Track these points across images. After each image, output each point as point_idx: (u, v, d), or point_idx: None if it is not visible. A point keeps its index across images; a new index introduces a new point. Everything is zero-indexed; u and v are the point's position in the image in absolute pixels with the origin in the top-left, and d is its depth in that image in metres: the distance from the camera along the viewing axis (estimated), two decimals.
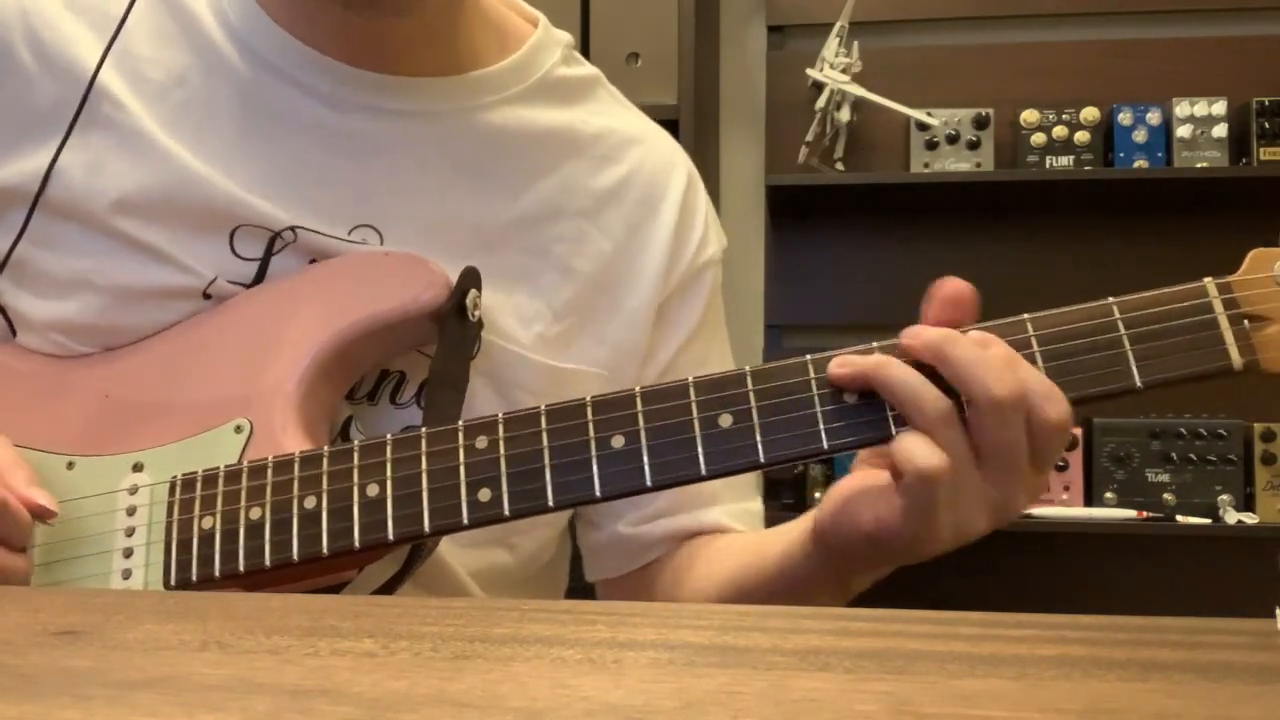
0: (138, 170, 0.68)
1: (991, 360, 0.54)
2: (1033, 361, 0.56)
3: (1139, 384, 0.56)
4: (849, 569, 0.64)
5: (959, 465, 0.54)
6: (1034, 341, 0.57)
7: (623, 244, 0.76)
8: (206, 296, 0.69)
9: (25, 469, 0.62)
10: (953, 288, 0.58)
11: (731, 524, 0.78)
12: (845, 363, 0.57)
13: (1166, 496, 2.02)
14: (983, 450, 0.55)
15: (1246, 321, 0.56)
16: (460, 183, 0.72)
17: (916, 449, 0.54)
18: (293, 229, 0.68)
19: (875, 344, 0.58)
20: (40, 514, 0.60)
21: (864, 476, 0.60)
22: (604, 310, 0.76)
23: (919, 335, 0.56)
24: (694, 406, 0.58)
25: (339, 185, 0.70)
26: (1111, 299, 0.57)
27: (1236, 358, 0.56)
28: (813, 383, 0.57)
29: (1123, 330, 0.56)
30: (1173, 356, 0.56)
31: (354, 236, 0.69)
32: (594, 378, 0.74)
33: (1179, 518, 1.99)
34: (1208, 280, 0.57)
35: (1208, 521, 1.98)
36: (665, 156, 0.80)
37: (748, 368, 0.58)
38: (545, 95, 0.76)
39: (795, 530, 0.67)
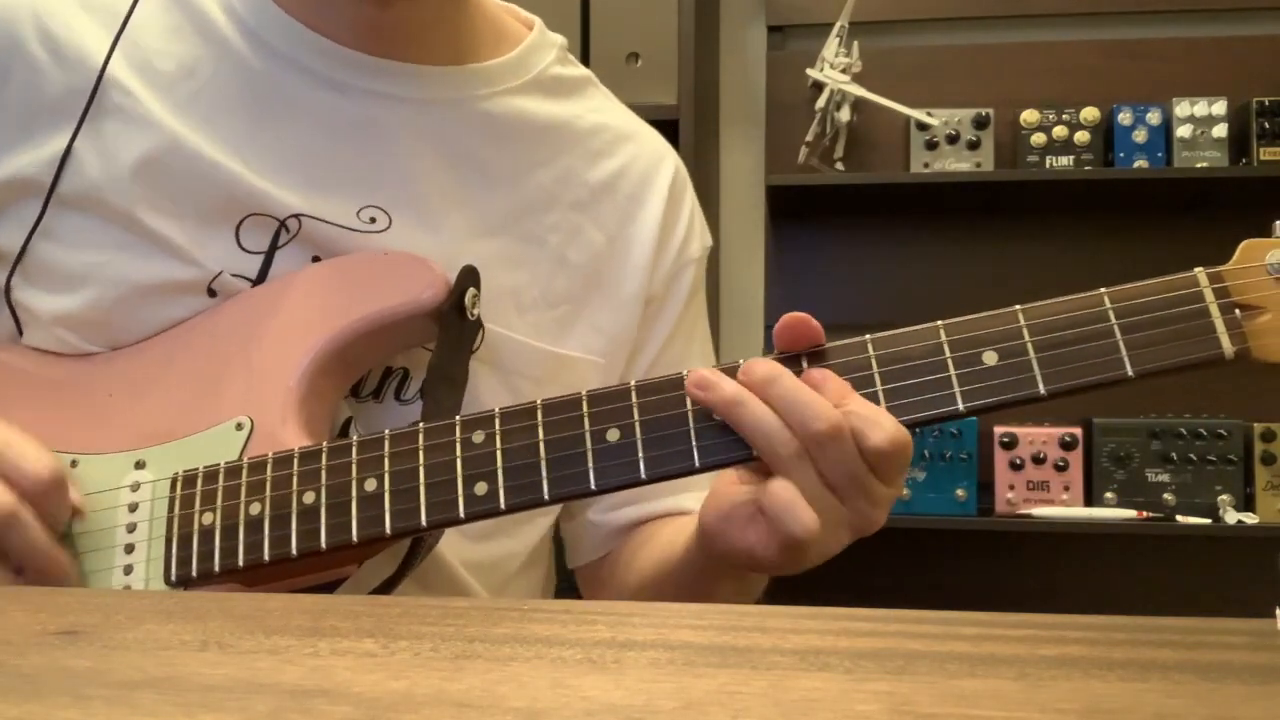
0: (150, 157, 0.69)
1: (809, 398, 0.55)
2: (1024, 352, 0.56)
3: (1130, 373, 0.56)
4: (738, 571, 0.66)
5: (815, 497, 0.56)
6: (1025, 332, 0.57)
7: (615, 237, 0.78)
8: (211, 292, 0.69)
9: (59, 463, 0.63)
10: (786, 322, 0.58)
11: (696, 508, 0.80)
12: (704, 384, 0.57)
13: (1166, 496, 2.02)
14: (828, 479, 0.56)
15: (1238, 310, 0.56)
16: (462, 169, 0.74)
17: (789, 514, 0.55)
18: (298, 217, 0.69)
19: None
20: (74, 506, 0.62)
21: (739, 492, 0.60)
22: (599, 300, 0.77)
23: (750, 371, 0.57)
24: (689, 399, 0.58)
25: (347, 168, 0.71)
26: (1103, 289, 0.57)
27: (1228, 346, 0.56)
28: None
29: (1114, 320, 0.56)
30: (1164, 346, 0.56)
31: (362, 217, 0.70)
32: (592, 365, 0.76)
33: (1179, 518, 1.99)
34: (1199, 270, 0.57)
35: (1208, 521, 1.98)
36: (656, 153, 0.83)
37: (741, 361, 0.59)
38: (541, 90, 0.78)
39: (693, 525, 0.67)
